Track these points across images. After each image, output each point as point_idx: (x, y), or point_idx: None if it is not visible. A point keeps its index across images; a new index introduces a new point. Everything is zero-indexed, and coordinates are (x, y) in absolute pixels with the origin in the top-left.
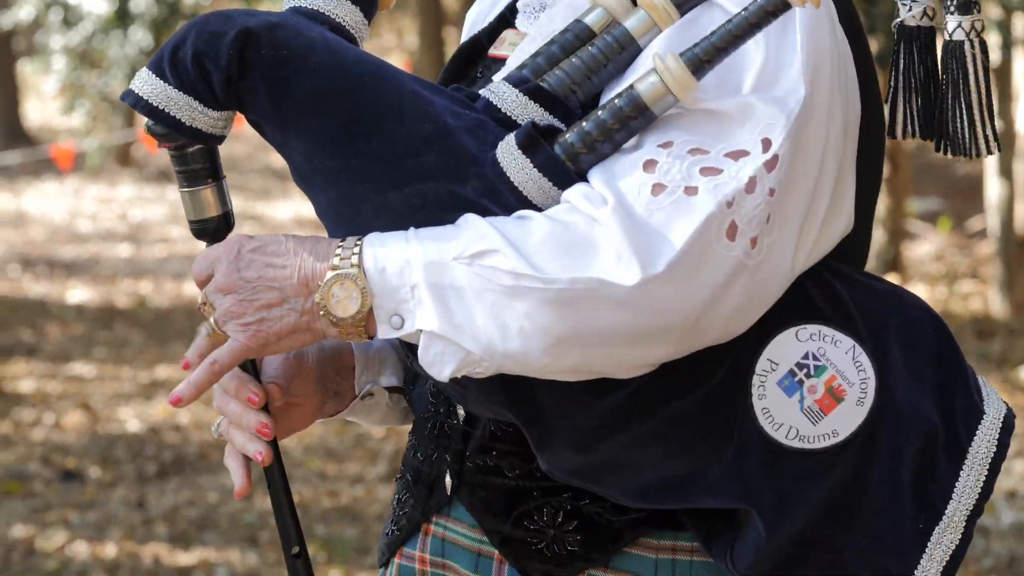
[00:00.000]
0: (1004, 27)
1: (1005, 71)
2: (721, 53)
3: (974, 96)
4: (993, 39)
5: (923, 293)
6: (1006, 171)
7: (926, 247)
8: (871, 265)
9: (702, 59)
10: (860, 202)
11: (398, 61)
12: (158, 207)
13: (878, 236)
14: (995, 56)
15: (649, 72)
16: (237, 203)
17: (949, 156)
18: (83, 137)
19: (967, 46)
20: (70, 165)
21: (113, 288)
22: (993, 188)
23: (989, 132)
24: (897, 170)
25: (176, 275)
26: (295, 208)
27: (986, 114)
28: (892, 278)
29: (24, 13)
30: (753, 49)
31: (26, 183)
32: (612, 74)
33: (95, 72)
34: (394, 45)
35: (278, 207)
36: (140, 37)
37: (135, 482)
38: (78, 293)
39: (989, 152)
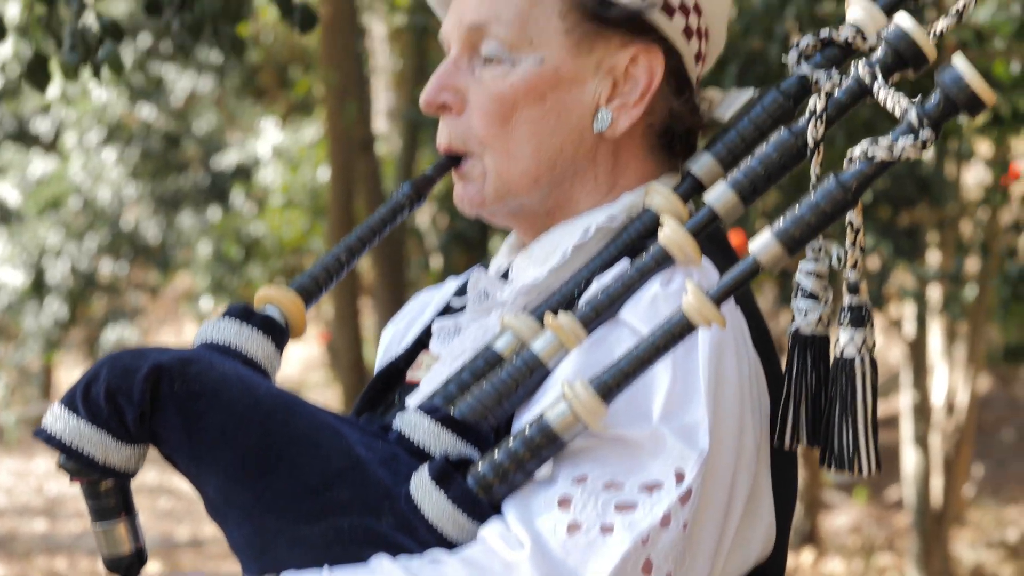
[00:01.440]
0: (920, 298)
1: (920, 343)
2: (629, 378)
3: (860, 413)
4: (908, 311)
5: (839, 566)
6: (921, 442)
7: (842, 518)
8: None
9: (611, 385)
10: (776, 521)
11: (314, 331)
12: None
13: None
14: (910, 328)
15: (558, 400)
16: (153, 475)
17: (832, 471)
18: None
19: (857, 362)
20: None
21: (28, 565)
22: (909, 459)
23: (872, 450)
24: None
25: (91, 551)
26: None
27: (870, 432)
28: (808, 551)
29: None
30: (661, 371)
31: None
32: (523, 397)
33: (11, 344)
34: (311, 315)
35: None
36: (56, 309)
37: None
38: None
39: (870, 471)
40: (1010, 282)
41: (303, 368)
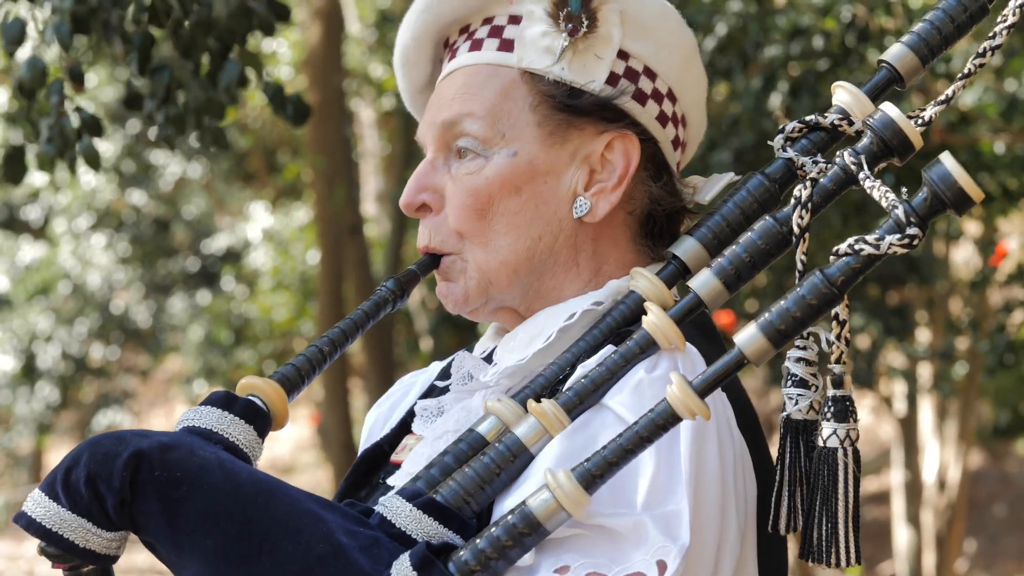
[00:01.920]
0: (909, 376)
1: (911, 421)
2: (613, 467)
3: (840, 505)
4: (899, 388)
5: None
6: (913, 520)
7: None
8: None
9: (594, 474)
10: None
11: (304, 412)
12: None
13: None
14: (901, 406)
15: (541, 488)
16: (144, 557)
17: (810, 562)
18: None
19: (840, 454)
20: None
21: None
22: (901, 536)
23: (852, 543)
24: None
25: None
26: None
27: (851, 525)
28: None
29: None
30: (645, 460)
31: None
32: (505, 482)
33: (1, 428)
34: (301, 396)
35: None
36: (47, 393)
37: None
38: None
39: (848, 564)
40: (997, 352)
41: (294, 449)
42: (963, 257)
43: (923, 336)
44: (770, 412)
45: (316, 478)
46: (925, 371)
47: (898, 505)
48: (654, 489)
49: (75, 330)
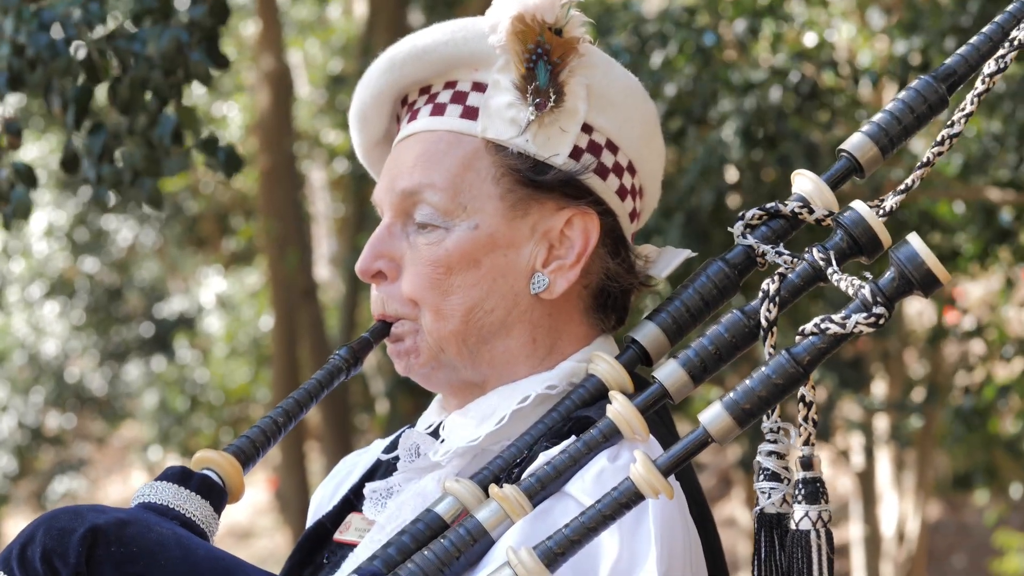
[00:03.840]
0: (866, 429)
1: (868, 474)
2: (575, 546)
3: None
4: (856, 441)
5: None
6: (873, 573)
7: None
8: None
9: (556, 552)
10: None
11: (261, 477)
12: None
13: None
14: (858, 459)
15: (502, 566)
16: None
17: None
18: None
19: (813, 536)
20: None
21: None
22: None
23: None
24: None
25: None
26: None
27: None
28: None
29: None
30: (608, 539)
31: None
32: (464, 566)
33: None
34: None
35: None
36: (4, 463)
37: None
38: None
39: None
40: (962, 416)
41: (252, 514)
42: (916, 309)
43: (879, 388)
44: (727, 467)
45: (275, 542)
46: (881, 423)
47: (857, 559)
48: (617, 568)
49: (30, 399)
